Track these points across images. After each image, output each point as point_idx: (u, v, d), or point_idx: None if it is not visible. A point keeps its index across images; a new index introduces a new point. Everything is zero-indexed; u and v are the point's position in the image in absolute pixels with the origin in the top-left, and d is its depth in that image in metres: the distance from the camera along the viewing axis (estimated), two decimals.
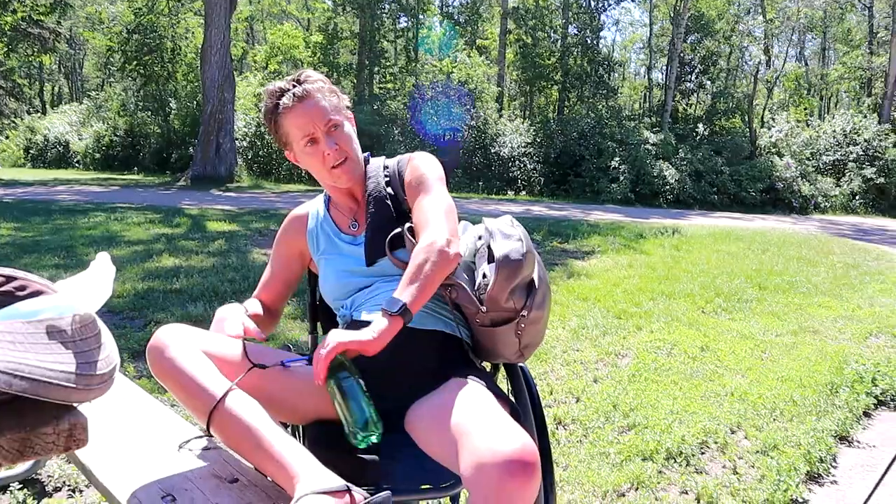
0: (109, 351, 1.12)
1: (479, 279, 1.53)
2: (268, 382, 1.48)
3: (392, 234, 1.60)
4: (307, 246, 1.78)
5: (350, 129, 1.66)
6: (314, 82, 1.62)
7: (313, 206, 1.82)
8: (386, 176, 1.71)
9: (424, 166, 1.68)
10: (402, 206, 1.66)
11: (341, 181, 1.66)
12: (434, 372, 1.50)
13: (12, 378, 0.92)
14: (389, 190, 1.68)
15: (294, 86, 1.61)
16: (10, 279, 1.21)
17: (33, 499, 2.22)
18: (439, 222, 1.53)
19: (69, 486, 2.33)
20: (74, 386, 1.00)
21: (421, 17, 25.76)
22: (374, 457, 1.43)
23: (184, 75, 23.78)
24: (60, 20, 23.54)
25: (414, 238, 1.55)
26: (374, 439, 1.33)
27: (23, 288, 1.20)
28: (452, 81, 20.76)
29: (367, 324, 1.54)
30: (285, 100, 1.60)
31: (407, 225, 1.58)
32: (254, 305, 1.73)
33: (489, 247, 1.52)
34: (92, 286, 1.21)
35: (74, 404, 1.07)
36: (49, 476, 2.36)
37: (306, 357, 1.48)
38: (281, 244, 1.82)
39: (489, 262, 1.51)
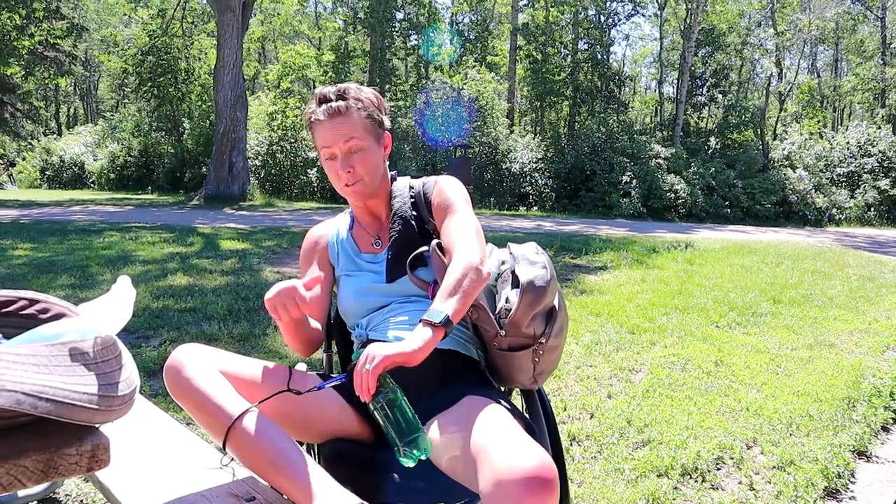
0: (130, 372, 1.15)
1: (500, 304, 1.54)
2: (283, 401, 1.49)
3: (414, 253, 1.62)
4: (329, 259, 1.80)
5: (375, 151, 1.66)
6: (353, 99, 1.63)
7: (333, 226, 1.84)
8: (411, 197, 1.73)
9: (450, 190, 1.71)
10: (425, 227, 1.68)
11: (351, 199, 1.68)
12: (449, 390, 1.51)
13: (37, 400, 0.94)
14: (414, 211, 1.70)
15: (333, 98, 1.63)
16: (33, 302, 1.23)
17: None
18: (471, 242, 1.55)
19: None
20: (97, 407, 1.02)
21: (431, 34, 25.94)
22: (391, 475, 1.44)
23: (197, 95, 24.06)
24: (76, 43, 23.90)
25: (443, 254, 1.57)
26: (423, 456, 1.30)
27: (45, 311, 1.22)
28: (463, 98, 20.86)
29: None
30: (319, 111, 1.62)
31: (435, 241, 1.60)
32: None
33: (513, 272, 1.54)
34: (113, 309, 1.24)
35: (97, 425, 1.09)
36: (67, 495, 2.38)
37: (342, 376, 1.47)
38: (307, 259, 1.82)
39: (513, 287, 1.52)
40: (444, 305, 1.40)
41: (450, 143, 19.80)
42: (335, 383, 1.48)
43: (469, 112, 20.49)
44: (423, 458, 1.30)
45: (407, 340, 1.35)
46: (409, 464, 1.30)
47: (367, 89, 1.69)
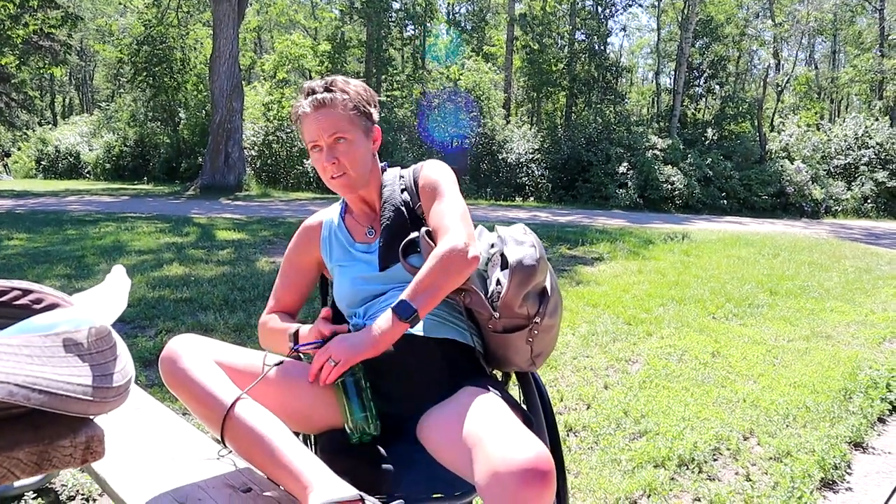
0: (125, 363, 1.14)
1: (492, 286, 1.54)
2: (280, 392, 1.49)
3: (406, 240, 1.61)
4: (321, 254, 1.79)
5: (361, 144, 1.64)
6: (338, 91, 1.61)
7: (327, 215, 1.83)
8: (401, 184, 1.72)
9: (437, 172, 1.69)
10: (416, 213, 1.67)
11: (338, 192, 1.67)
12: (446, 380, 1.51)
13: (31, 392, 0.93)
14: (405, 196, 1.69)
15: (320, 91, 1.61)
16: (26, 292, 1.22)
17: None
18: (457, 226, 1.54)
19: (83, 495, 2.34)
20: (91, 399, 1.01)
21: (428, 24, 25.84)
22: (389, 466, 1.44)
23: (193, 85, 23.96)
24: (71, 33, 23.74)
25: (432, 240, 1.56)
26: (365, 439, 1.45)
27: (39, 301, 1.21)
28: (460, 88, 20.79)
29: None
30: (305, 103, 1.61)
31: (424, 229, 1.59)
32: (280, 321, 1.74)
33: (502, 254, 1.53)
34: (107, 299, 1.23)
35: (91, 417, 1.08)
36: (63, 485, 2.37)
37: (318, 342, 1.51)
38: (294, 253, 1.82)
39: (502, 269, 1.51)
40: (416, 299, 1.44)
41: (446, 134, 19.76)
42: (310, 347, 1.53)
43: (465, 103, 20.43)
44: (364, 440, 1.45)
45: (368, 334, 1.43)
46: (354, 441, 1.45)
47: (355, 81, 1.67)
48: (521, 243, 1.53)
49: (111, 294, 1.25)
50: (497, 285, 1.51)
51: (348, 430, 1.45)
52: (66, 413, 0.98)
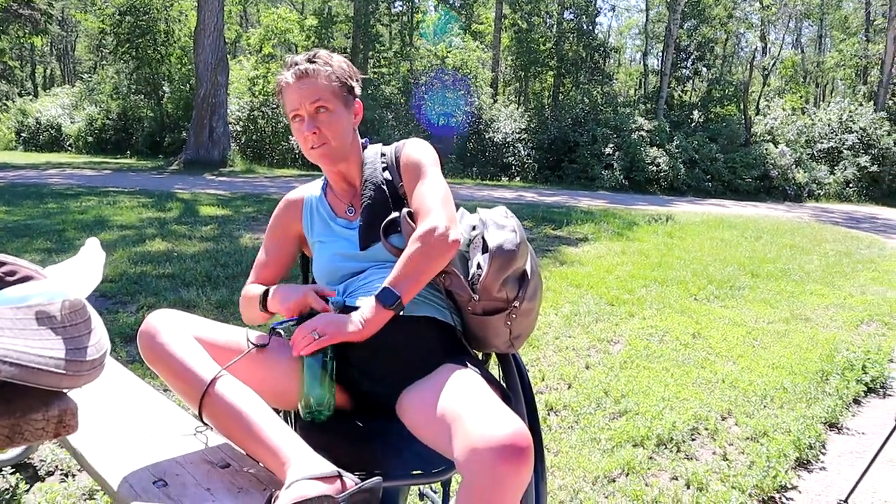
0: (100, 337, 1.12)
1: (472, 269, 1.54)
2: (259, 367, 1.48)
3: (387, 219, 1.60)
4: (303, 229, 1.78)
5: (343, 115, 1.63)
6: (321, 63, 1.61)
7: (309, 190, 1.82)
8: (383, 162, 1.71)
9: (419, 152, 1.68)
10: (398, 192, 1.66)
11: (318, 163, 1.68)
12: (426, 358, 1.50)
13: (1, 364, 0.91)
14: (386, 175, 1.68)
15: (302, 63, 1.61)
16: None
17: (25, 483, 2.22)
18: (438, 209, 1.53)
19: (62, 470, 2.33)
20: (64, 372, 1.00)
21: (416, 0, 25.55)
22: (368, 443, 1.44)
23: (177, 58, 23.58)
24: (52, 1, 23.27)
25: (413, 222, 1.56)
26: (320, 418, 1.42)
27: (12, 273, 1.19)
28: (447, 67, 20.63)
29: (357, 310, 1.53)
30: (287, 74, 1.61)
31: (405, 210, 1.58)
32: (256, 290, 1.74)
33: (483, 237, 1.53)
34: (82, 272, 1.21)
35: (64, 390, 1.07)
36: (41, 460, 2.36)
37: (294, 319, 1.52)
38: (276, 227, 1.81)
39: (483, 253, 1.51)
40: (399, 285, 1.45)
41: (433, 113, 19.64)
42: (288, 324, 1.54)
43: (453, 81, 20.29)
44: (319, 419, 1.42)
45: (354, 318, 1.44)
46: (306, 418, 1.42)
47: (338, 56, 1.67)
48: (502, 228, 1.53)
49: (85, 267, 1.23)
50: (478, 269, 1.52)
51: (300, 407, 1.43)
52: (37, 386, 0.97)
